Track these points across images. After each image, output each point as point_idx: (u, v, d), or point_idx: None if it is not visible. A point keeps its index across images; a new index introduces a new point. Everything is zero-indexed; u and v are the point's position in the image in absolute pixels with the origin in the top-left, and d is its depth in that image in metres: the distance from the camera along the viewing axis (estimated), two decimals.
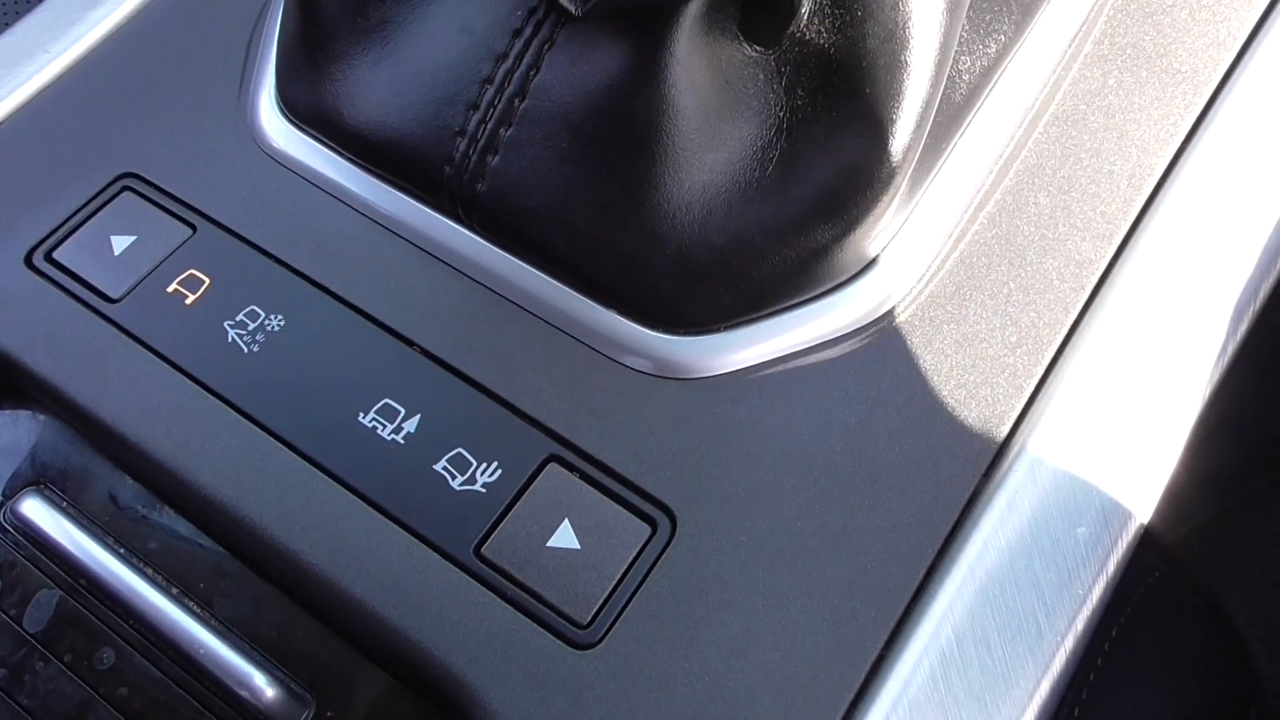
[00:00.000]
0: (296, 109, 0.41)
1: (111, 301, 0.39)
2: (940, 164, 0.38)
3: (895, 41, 0.33)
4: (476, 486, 0.35)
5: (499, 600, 0.33)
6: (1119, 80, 0.41)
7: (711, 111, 0.34)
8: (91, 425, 0.37)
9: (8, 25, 0.46)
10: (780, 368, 0.37)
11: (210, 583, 0.36)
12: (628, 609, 0.33)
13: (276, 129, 0.42)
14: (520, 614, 0.33)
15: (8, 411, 0.40)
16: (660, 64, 0.33)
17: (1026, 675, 0.32)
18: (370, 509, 0.35)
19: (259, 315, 0.38)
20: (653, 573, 0.33)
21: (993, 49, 0.39)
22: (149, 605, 0.35)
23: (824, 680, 0.32)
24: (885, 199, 0.35)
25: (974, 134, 0.39)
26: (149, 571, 0.36)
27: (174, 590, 0.36)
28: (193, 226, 0.40)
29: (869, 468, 0.35)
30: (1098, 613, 0.34)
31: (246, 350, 0.38)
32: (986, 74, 0.39)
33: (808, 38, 0.34)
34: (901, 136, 0.34)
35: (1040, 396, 0.36)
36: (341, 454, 0.36)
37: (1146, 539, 0.36)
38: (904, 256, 0.38)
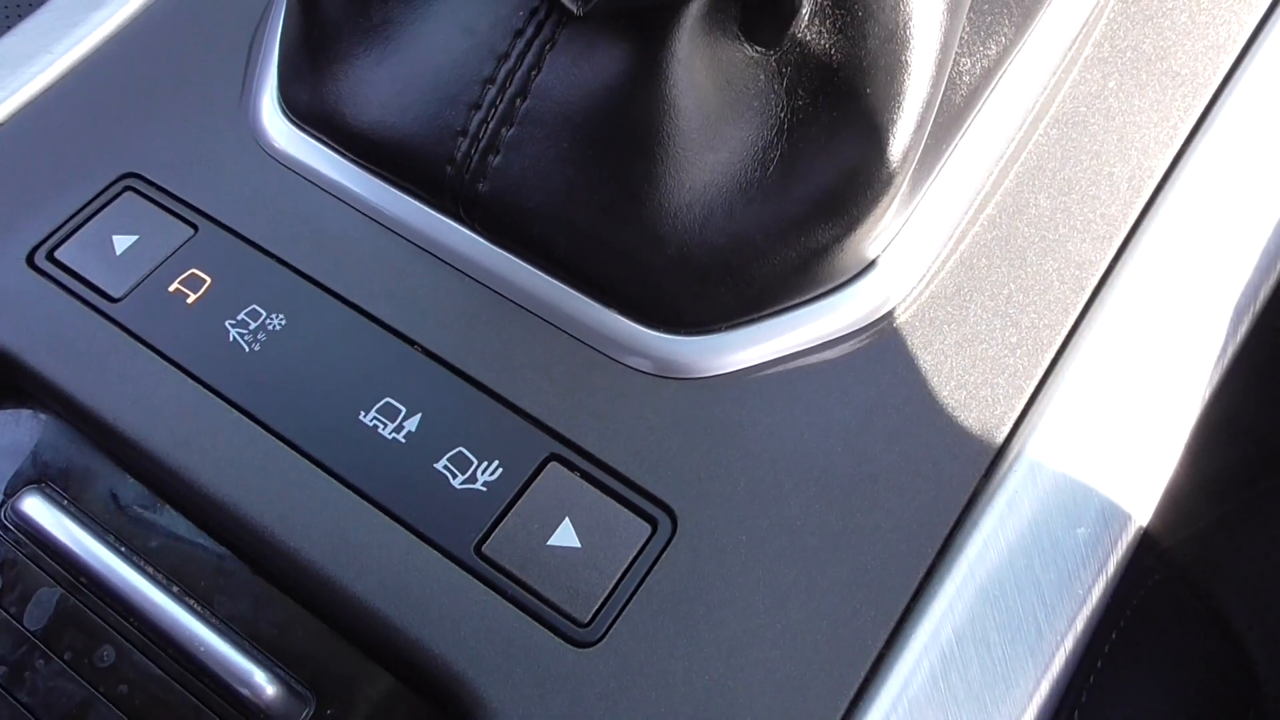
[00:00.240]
0: (298, 109, 0.41)
1: (113, 301, 0.39)
2: (941, 165, 0.39)
3: (896, 42, 0.33)
4: (477, 485, 0.35)
5: (499, 598, 0.33)
6: (1119, 83, 0.41)
7: (712, 112, 0.35)
8: (93, 424, 0.37)
9: (9, 26, 0.46)
10: (781, 368, 0.37)
11: (211, 581, 0.36)
12: (628, 607, 0.33)
13: (278, 129, 0.42)
14: (521, 612, 0.33)
15: (9, 410, 0.40)
16: (661, 64, 0.33)
17: (1026, 675, 0.32)
18: (371, 507, 0.35)
19: (260, 314, 0.38)
20: (653, 571, 0.33)
21: (993, 51, 0.39)
22: (149, 603, 0.35)
23: (824, 679, 0.32)
24: (885, 200, 0.35)
25: (974, 135, 0.39)
26: (149, 570, 0.36)
27: (174, 588, 0.36)
28: (194, 226, 0.41)
29: (869, 468, 0.35)
30: (1097, 613, 0.34)
31: (248, 349, 0.38)
32: (987, 75, 0.39)
33: (809, 38, 0.34)
34: (902, 138, 0.34)
35: (1040, 398, 0.36)
36: (342, 453, 0.36)
37: (1147, 542, 0.36)
38: (904, 257, 0.38)
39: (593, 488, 0.35)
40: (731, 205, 0.35)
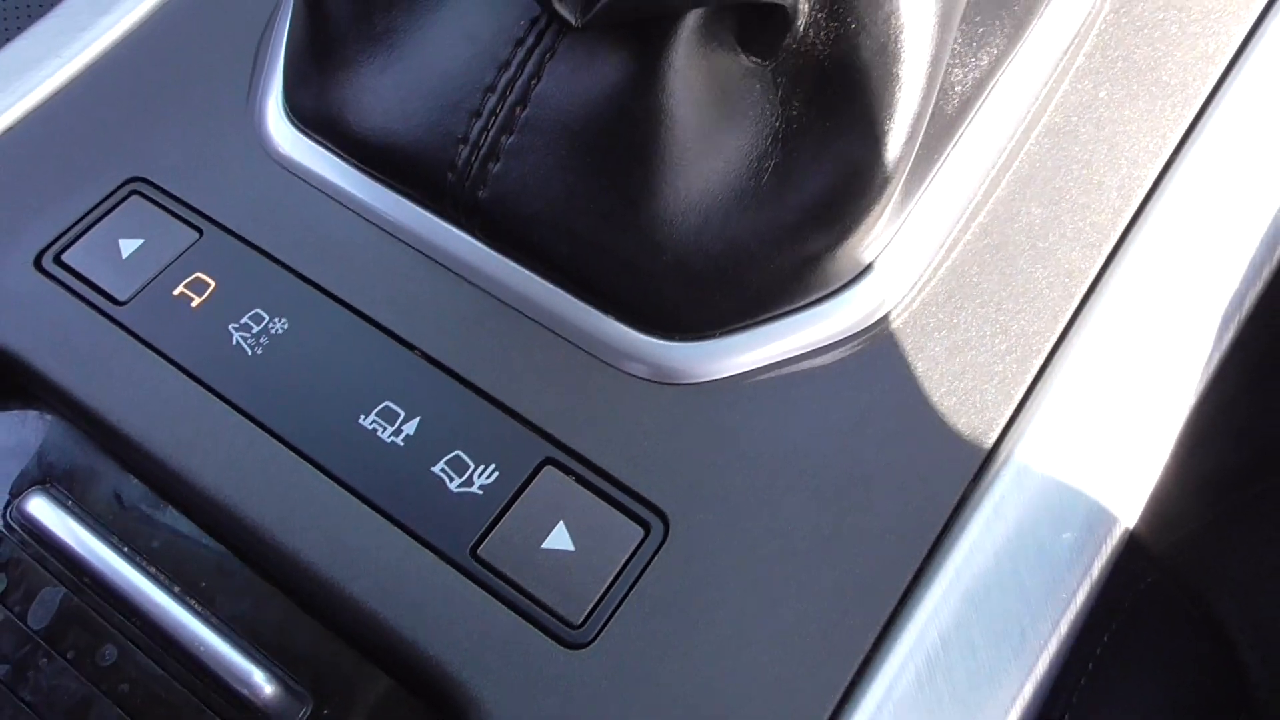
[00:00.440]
0: (303, 114, 0.41)
1: (119, 304, 0.39)
2: (933, 174, 0.39)
3: (887, 55, 0.34)
4: (474, 488, 0.35)
5: (494, 600, 0.34)
6: (1110, 93, 0.41)
7: (709, 121, 0.35)
8: (97, 425, 0.38)
9: (8, 29, 0.47)
10: (775, 373, 0.37)
11: (212, 581, 0.36)
12: (620, 610, 0.33)
13: (283, 134, 0.42)
14: (514, 614, 0.33)
15: (16, 411, 0.40)
16: (658, 74, 0.34)
17: (1010, 678, 0.32)
18: (369, 510, 0.35)
19: (263, 318, 0.39)
20: (645, 574, 0.34)
21: (985, 61, 0.39)
22: (151, 603, 0.35)
23: (812, 681, 0.32)
24: (878, 208, 0.36)
25: (967, 144, 0.39)
26: (151, 570, 0.36)
27: (176, 588, 0.36)
28: (199, 230, 0.41)
29: (860, 472, 0.35)
30: (1082, 617, 0.34)
31: (250, 353, 0.38)
32: (979, 86, 0.39)
33: (803, 49, 0.34)
34: (894, 147, 0.35)
35: (1029, 404, 0.36)
36: (342, 455, 0.36)
37: (1138, 545, 0.37)
38: (897, 264, 0.38)
39: (587, 491, 0.35)
40: (727, 212, 0.35)
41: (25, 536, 0.37)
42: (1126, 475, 0.36)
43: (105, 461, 0.38)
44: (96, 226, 0.41)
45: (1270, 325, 0.40)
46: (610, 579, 0.34)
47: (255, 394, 0.37)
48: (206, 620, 0.35)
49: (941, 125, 0.38)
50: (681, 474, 0.35)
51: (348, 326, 0.39)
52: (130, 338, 0.39)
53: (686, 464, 0.35)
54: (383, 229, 0.40)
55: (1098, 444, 0.36)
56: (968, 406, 0.36)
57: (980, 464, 0.35)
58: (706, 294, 0.36)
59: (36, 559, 0.37)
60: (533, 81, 0.35)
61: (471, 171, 0.37)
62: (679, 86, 0.34)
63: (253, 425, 0.37)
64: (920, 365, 0.37)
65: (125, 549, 0.37)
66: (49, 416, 0.40)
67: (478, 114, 0.36)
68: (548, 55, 0.35)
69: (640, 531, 0.35)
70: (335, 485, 0.36)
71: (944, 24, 0.35)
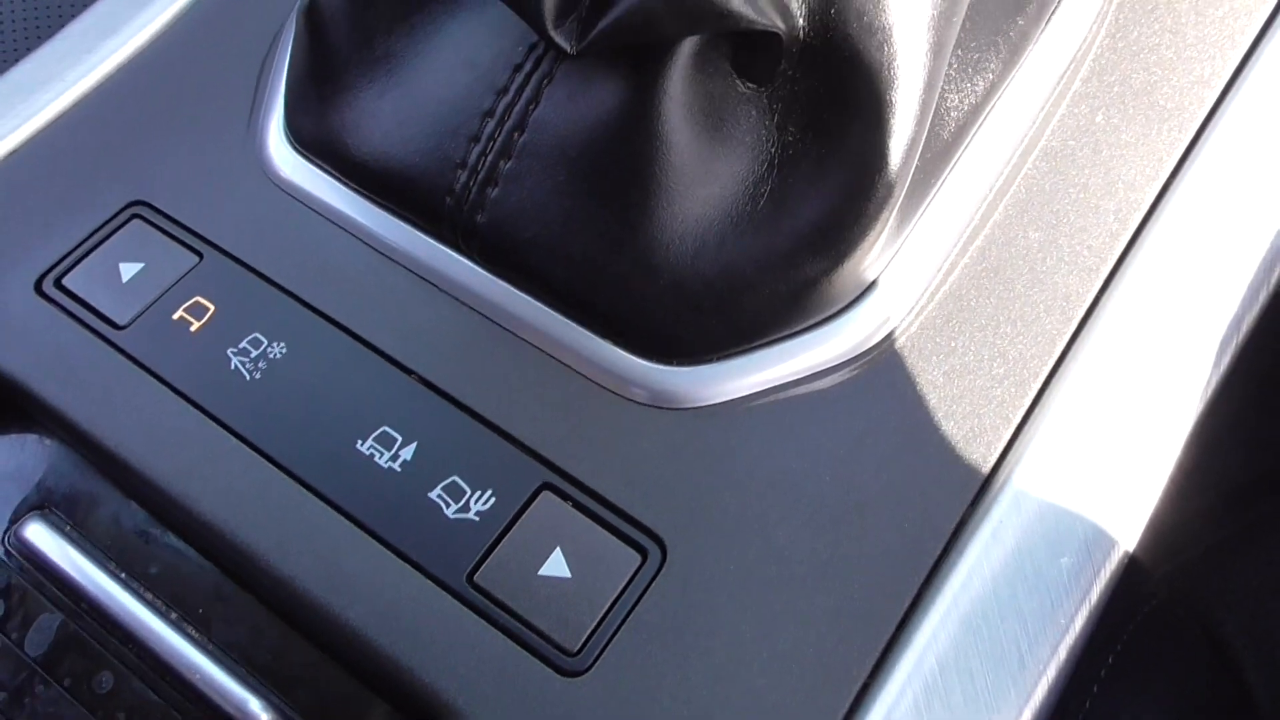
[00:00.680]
0: (304, 138, 0.41)
1: (118, 328, 0.40)
2: (929, 199, 0.39)
3: (880, 82, 0.34)
4: (470, 514, 0.35)
5: (490, 627, 0.33)
6: (1106, 117, 0.41)
7: (705, 146, 0.35)
8: (96, 450, 0.38)
9: (6, 53, 0.47)
10: (772, 398, 0.37)
11: (209, 607, 0.36)
12: (616, 637, 0.33)
13: (284, 158, 0.42)
14: (511, 641, 0.33)
15: (15, 435, 0.40)
16: (655, 100, 0.34)
17: (1009, 704, 0.32)
18: (366, 536, 0.35)
19: (262, 343, 0.39)
20: (642, 601, 0.34)
21: (981, 86, 0.39)
22: (148, 630, 0.35)
23: (810, 708, 0.32)
24: (873, 233, 0.36)
25: (963, 169, 0.40)
26: (149, 596, 0.36)
27: (173, 615, 0.36)
28: (199, 254, 0.41)
29: (857, 497, 0.35)
30: (1082, 641, 0.34)
31: (249, 377, 0.38)
32: (975, 111, 0.39)
33: (798, 76, 0.34)
34: (889, 173, 0.35)
35: (1026, 428, 0.36)
36: (339, 481, 0.36)
37: (1142, 568, 0.36)
38: (894, 289, 0.38)
39: (584, 517, 0.35)
40: (723, 237, 0.35)
41: (23, 562, 0.37)
42: (1125, 499, 0.36)
43: (104, 486, 0.39)
44: (97, 250, 0.41)
45: (1269, 347, 0.40)
46: (607, 606, 0.34)
47: (253, 419, 0.37)
48: (203, 647, 0.35)
49: (938, 150, 0.38)
50: (679, 499, 0.35)
51: (346, 351, 0.39)
52: (129, 362, 0.39)
53: (684, 489, 0.35)
54: (381, 253, 0.40)
55: (1096, 468, 0.36)
56: (965, 431, 0.36)
57: (978, 489, 0.35)
58: (703, 318, 0.36)
59: (34, 585, 0.37)
60: (530, 107, 0.36)
61: (470, 196, 0.37)
62: (675, 112, 0.34)
63: (250, 450, 0.37)
64: (918, 389, 0.37)
65: (123, 575, 0.37)
66: (48, 441, 0.40)
67: (476, 139, 0.36)
68: (545, 81, 0.35)
69: (637, 558, 0.34)
70: (332, 511, 0.36)
71: (937, 50, 0.35)
